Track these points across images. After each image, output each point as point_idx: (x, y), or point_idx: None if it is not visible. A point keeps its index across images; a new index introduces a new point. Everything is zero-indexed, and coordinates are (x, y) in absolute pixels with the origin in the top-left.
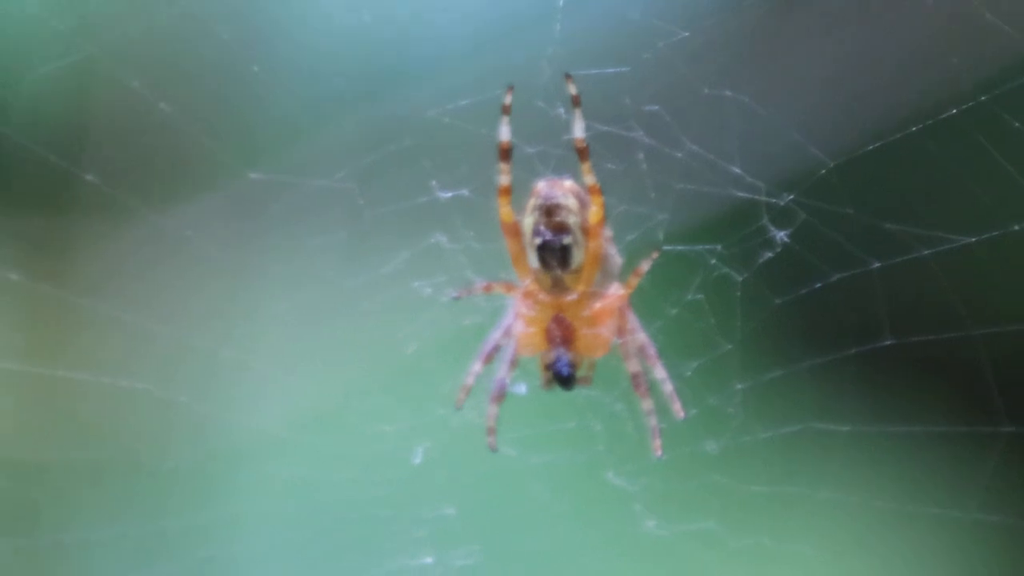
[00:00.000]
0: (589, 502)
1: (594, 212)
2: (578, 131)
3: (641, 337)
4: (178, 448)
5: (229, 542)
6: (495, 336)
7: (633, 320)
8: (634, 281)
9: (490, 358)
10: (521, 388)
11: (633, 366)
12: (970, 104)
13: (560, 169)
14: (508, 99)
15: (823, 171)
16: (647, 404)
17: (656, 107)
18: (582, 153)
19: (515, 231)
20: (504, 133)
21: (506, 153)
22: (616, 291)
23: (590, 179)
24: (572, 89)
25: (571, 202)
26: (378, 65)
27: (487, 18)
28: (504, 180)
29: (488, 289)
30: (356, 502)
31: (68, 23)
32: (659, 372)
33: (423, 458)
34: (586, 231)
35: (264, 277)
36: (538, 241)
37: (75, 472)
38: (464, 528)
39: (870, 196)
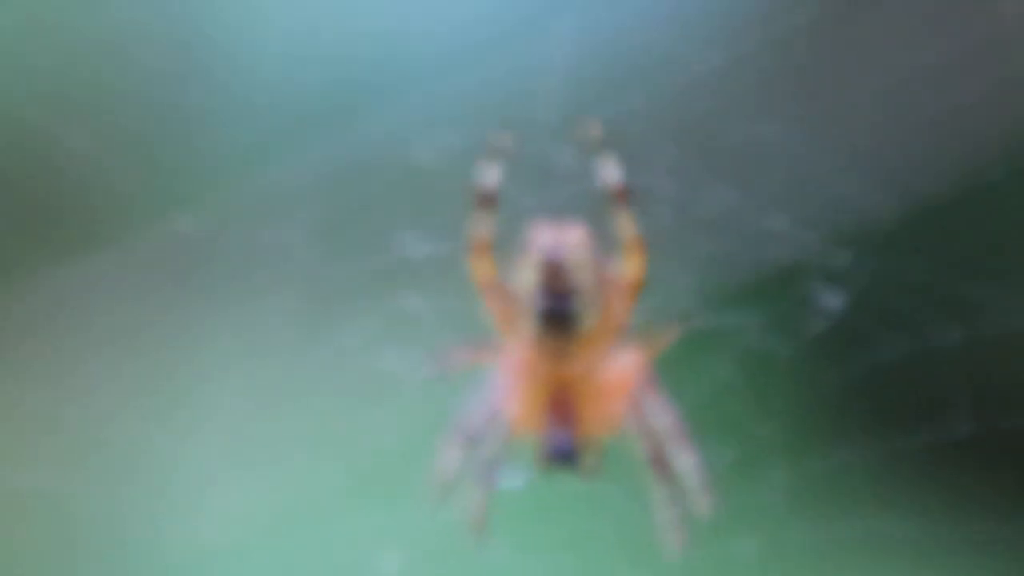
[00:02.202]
0: None
1: (633, 271)
2: (613, 174)
3: (666, 415)
4: (86, 567)
5: None
6: (478, 414)
7: (655, 393)
8: (654, 348)
9: (472, 442)
10: (516, 481)
11: (649, 443)
12: None
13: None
14: (505, 142)
15: (889, 223)
16: (668, 489)
17: (682, 146)
18: (621, 199)
19: (497, 290)
20: (491, 176)
21: (489, 201)
22: (631, 358)
23: (630, 230)
24: (596, 131)
25: (581, 257)
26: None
27: (478, 37)
28: (485, 232)
29: (476, 359)
30: None
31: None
32: (687, 456)
33: (398, 569)
34: (600, 290)
35: (198, 351)
36: (540, 307)
37: None
38: None
39: (948, 253)
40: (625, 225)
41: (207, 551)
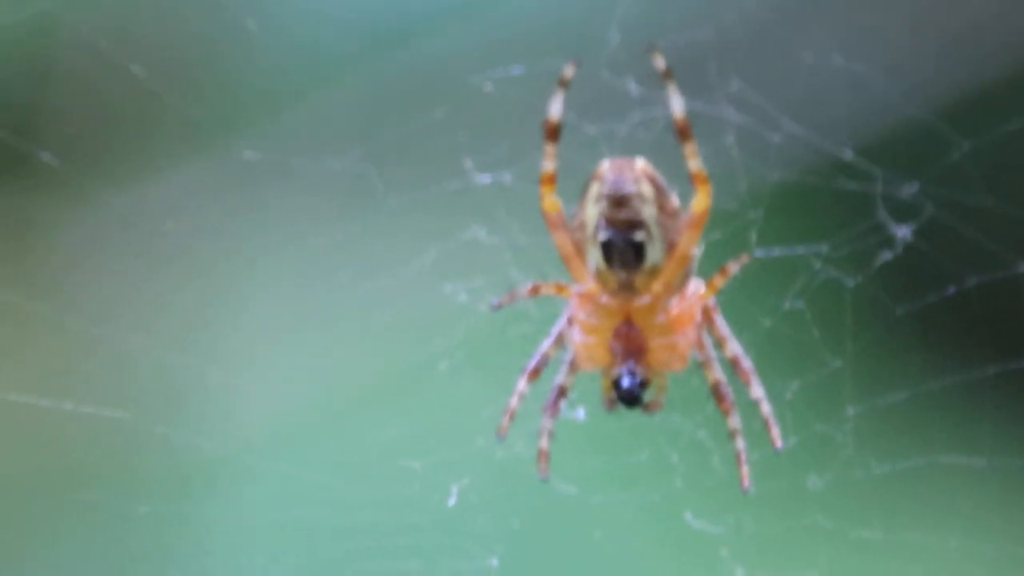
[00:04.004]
0: (665, 548)
1: (699, 201)
2: (676, 107)
3: (733, 347)
4: (153, 487)
5: None
6: (545, 347)
7: (722, 326)
8: (719, 281)
9: (538, 374)
10: (579, 413)
11: (716, 374)
12: None
13: (628, 153)
14: (569, 71)
15: (956, 154)
16: (733, 421)
17: (747, 78)
18: (683, 133)
19: (563, 224)
20: (555, 109)
21: (554, 132)
22: (697, 290)
23: (695, 164)
24: (660, 62)
25: (646, 189)
26: (403, 13)
27: None
28: (549, 166)
29: (536, 292)
30: (376, 553)
31: None
32: (755, 391)
33: (459, 499)
34: (668, 224)
35: (259, 279)
36: (603, 238)
37: (23, 501)
38: None
39: (1015, 183)
40: (690, 157)
41: (270, 477)
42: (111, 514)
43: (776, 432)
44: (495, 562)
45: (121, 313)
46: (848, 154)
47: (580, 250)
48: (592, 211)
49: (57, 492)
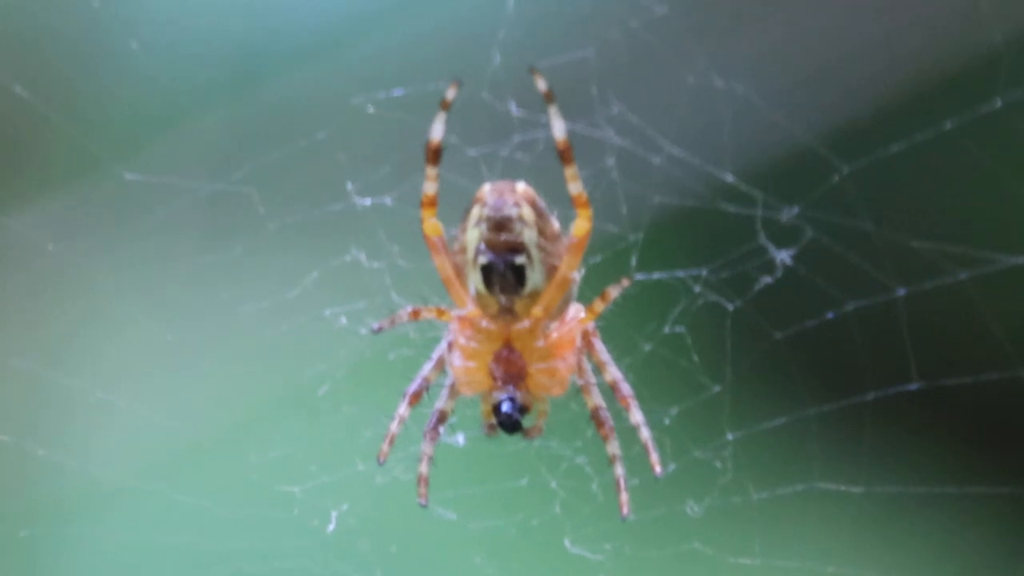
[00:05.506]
0: (544, 574)
1: (579, 225)
2: (558, 130)
3: (613, 372)
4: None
5: None
6: (426, 371)
7: (602, 351)
8: (599, 306)
9: (419, 398)
10: (459, 438)
11: (595, 399)
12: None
13: (509, 175)
14: (451, 93)
15: (836, 177)
16: (612, 447)
17: (628, 100)
18: (564, 156)
19: (444, 247)
20: (437, 131)
21: (436, 154)
22: (577, 314)
23: (575, 187)
24: (542, 85)
25: (526, 212)
26: (287, 33)
27: None
28: (430, 188)
29: (416, 315)
30: None
31: None
32: (634, 417)
33: (339, 524)
34: (548, 248)
35: (139, 300)
36: (483, 261)
37: None
38: None
39: (894, 207)
40: (571, 180)
41: (146, 497)
42: None
43: (655, 457)
44: None
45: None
46: (729, 177)
47: (461, 274)
48: (473, 234)
49: None
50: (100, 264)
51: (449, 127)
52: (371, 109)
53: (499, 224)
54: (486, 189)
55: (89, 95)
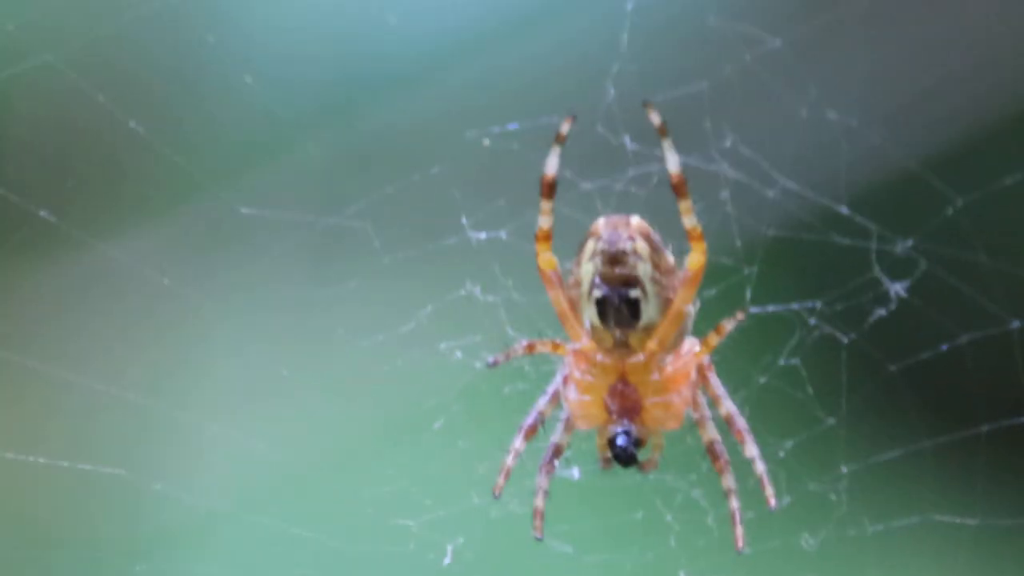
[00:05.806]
0: None
1: (694, 259)
2: (672, 164)
3: (728, 406)
4: (149, 544)
5: None
6: (541, 405)
7: (717, 385)
8: (714, 340)
9: (534, 432)
10: (574, 472)
11: (710, 433)
12: None
13: (623, 208)
14: (565, 127)
15: (950, 210)
16: (728, 481)
17: (742, 133)
18: (679, 189)
19: (558, 281)
20: (551, 165)
21: (550, 188)
22: (691, 348)
23: (690, 220)
24: (656, 118)
25: (641, 246)
26: (406, 64)
27: (539, 28)
28: (545, 222)
29: (531, 349)
30: None
31: (18, 22)
32: (749, 450)
33: (455, 558)
34: (663, 281)
35: (256, 334)
36: (597, 295)
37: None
38: None
39: (1009, 239)
40: (686, 214)
41: (262, 531)
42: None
43: (770, 491)
44: None
45: (96, 357)
46: (843, 209)
47: (575, 307)
48: (587, 268)
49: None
50: (213, 295)
51: (563, 161)
52: (486, 143)
53: (614, 258)
54: (601, 223)
55: (198, 127)
